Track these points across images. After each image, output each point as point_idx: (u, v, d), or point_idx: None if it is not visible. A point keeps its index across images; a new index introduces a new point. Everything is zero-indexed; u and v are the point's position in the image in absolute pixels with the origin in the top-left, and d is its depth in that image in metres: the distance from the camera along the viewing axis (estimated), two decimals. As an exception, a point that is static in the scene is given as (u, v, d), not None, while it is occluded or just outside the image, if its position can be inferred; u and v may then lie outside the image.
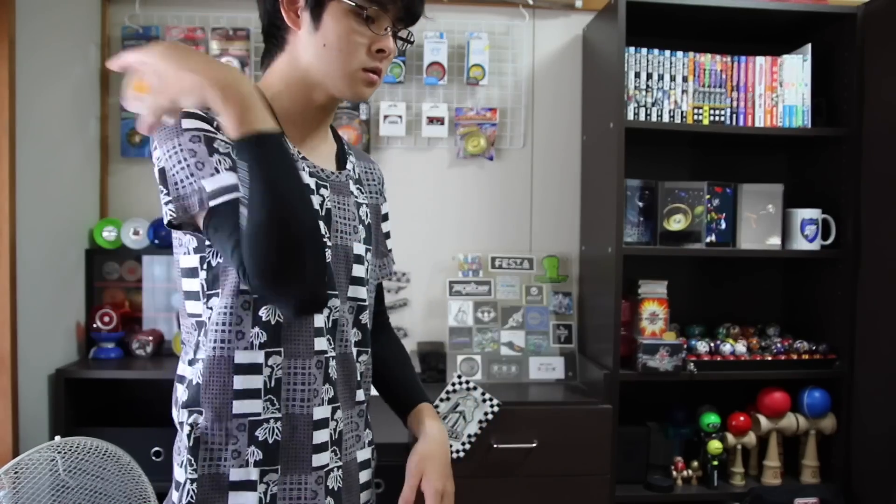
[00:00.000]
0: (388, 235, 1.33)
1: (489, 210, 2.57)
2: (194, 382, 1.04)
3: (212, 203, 0.95)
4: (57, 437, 1.79)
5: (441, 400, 2.07)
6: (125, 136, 2.43)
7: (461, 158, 2.54)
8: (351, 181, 1.17)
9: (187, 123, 0.97)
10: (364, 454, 1.18)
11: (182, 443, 1.04)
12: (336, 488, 1.10)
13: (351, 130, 2.46)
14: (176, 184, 0.97)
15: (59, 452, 1.74)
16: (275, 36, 1.10)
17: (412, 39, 1.13)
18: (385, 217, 1.32)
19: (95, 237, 2.37)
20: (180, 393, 1.06)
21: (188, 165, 0.96)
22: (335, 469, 1.10)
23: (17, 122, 1.92)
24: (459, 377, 2.10)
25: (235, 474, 1.03)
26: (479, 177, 2.56)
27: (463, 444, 2.06)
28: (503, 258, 2.53)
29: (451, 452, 2.05)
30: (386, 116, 2.48)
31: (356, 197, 1.18)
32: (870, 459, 2.20)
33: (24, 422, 1.97)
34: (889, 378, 2.11)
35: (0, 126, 1.88)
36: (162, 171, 0.98)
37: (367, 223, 1.21)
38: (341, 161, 1.19)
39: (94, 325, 2.31)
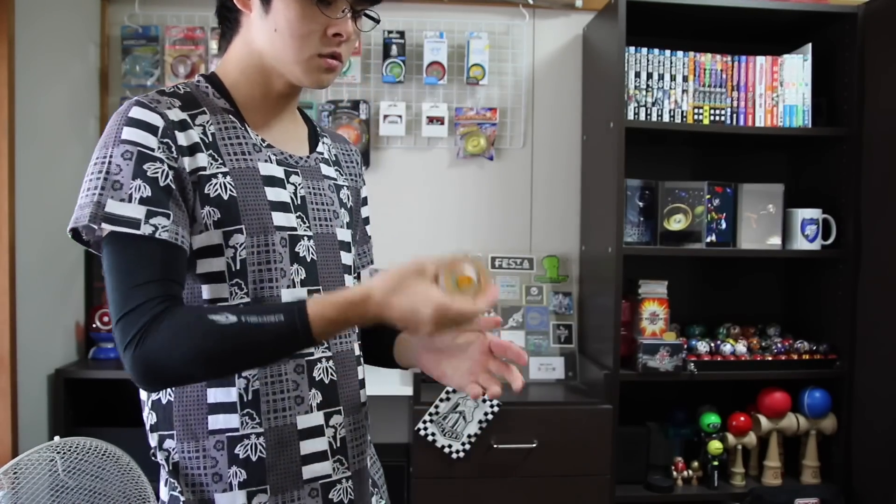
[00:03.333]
0: (367, 221, 1.25)
1: (489, 210, 2.56)
2: (163, 401, 0.98)
3: (104, 226, 0.89)
4: (56, 438, 1.78)
5: (441, 400, 2.07)
6: (125, 136, 2.42)
7: (461, 158, 2.54)
8: (324, 164, 1.11)
9: (128, 133, 0.92)
10: (369, 461, 1.11)
11: (163, 467, 1.00)
12: (346, 501, 1.03)
13: (351, 130, 2.46)
14: (84, 191, 0.91)
15: (58, 453, 1.73)
16: (227, 18, 1.04)
17: (377, 17, 1.05)
18: (364, 201, 1.24)
19: (95, 237, 2.36)
20: (146, 415, 1.01)
21: (104, 178, 0.90)
22: (343, 480, 1.03)
23: (16, 121, 1.91)
24: (459, 377, 2.09)
25: (221, 500, 0.97)
26: (479, 177, 2.56)
27: (463, 444, 2.06)
28: (503, 258, 2.52)
29: (452, 453, 2.05)
30: (386, 116, 2.47)
31: (334, 179, 1.12)
32: (870, 459, 2.19)
33: (24, 422, 1.97)
34: (889, 378, 2.11)
35: (-1, 126, 1.88)
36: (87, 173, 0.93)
37: (349, 206, 1.14)
38: (313, 143, 1.12)
39: (94, 325, 2.31)
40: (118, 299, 0.88)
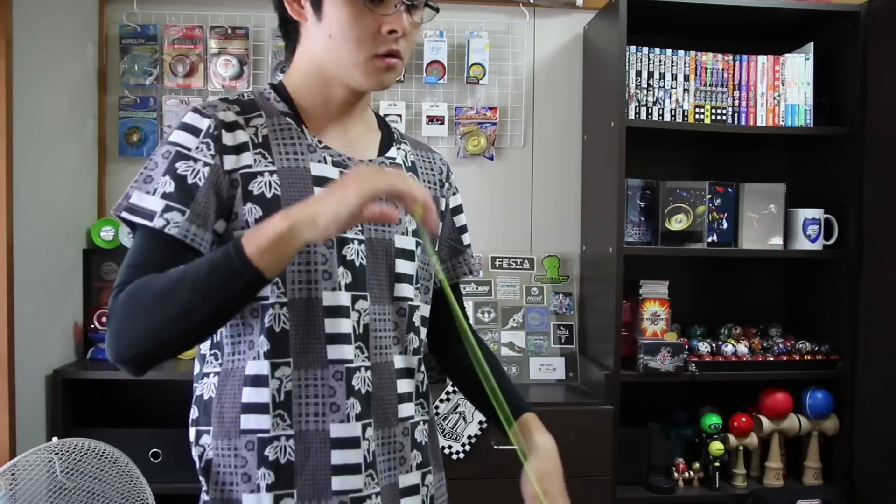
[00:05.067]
0: (463, 230, 1.25)
1: (489, 210, 2.55)
2: (205, 397, 1.00)
3: (121, 214, 0.93)
4: (54, 439, 1.78)
5: (441, 400, 2.06)
6: (123, 136, 2.42)
7: (461, 158, 2.53)
8: (392, 168, 1.08)
9: (175, 136, 0.96)
10: (410, 479, 1.06)
11: (196, 463, 1.00)
12: None
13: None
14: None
15: (56, 454, 1.73)
16: (288, 31, 1.06)
17: (437, 7, 1.03)
18: (456, 210, 1.24)
19: (93, 237, 2.36)
20: (192, 411, 1.02)
21: (141, 174, 0.95)
22: (373, 496, 0.99)
23: (14, 121, 1.90)
24: (459, 378, 2.09)
25: (248, 500, 0.96)
26: (480, 176, 2.55)
27: (463, 445, 2.05)
28: (503, 258, 2.52)
29: (452, 454, 2.04)
30: (385, 115, 2.46)
31: None
32: (872, 460, 2.18)
33: (22, 423, 1.96)
34: (891, 378, 2.10)
35: (-3, 125, 1.87)
36: None
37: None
38: (384, 149, 1.11)
39: (92, 326, 2.30)
40: (118, 275, 0.92)
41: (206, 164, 0.94)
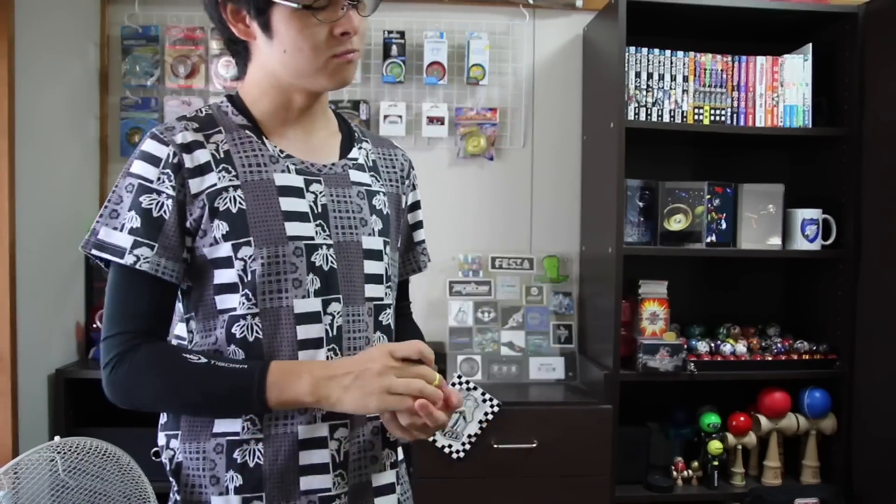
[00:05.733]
0: (417, 226, 1.24)
1: (489, 210, 2.56)
2: None
3: (91, 251, 0.96)
4: (56, 438, 1.78)
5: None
6: (124, 136, 2.42)
7: (461, 158, 2.54)
8: (355, 170, 1.09)
9: (136, 167, 0.97)
10: (384, 478, 1.06)
11: (165, 467, 1.03)
12: None
13: (351, 130, 2.46)
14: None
15: (58, 453, 1.73)
16: (237, 51, 1.06)
17: None
18: (413, 207, 1.23)
19: (95, 237, 2.36)
20: (161, 416, 1.05)
21: (106, 207, 0.98)
22: (342, 496, 1.00)
23: (16, 121, 1.91)
24: (459, 377, 2.10)
25: (217, 503, 0.98)
26: (480, 177, 2.56)
27: (463, 444, 2.06)
28: (503, 258, 2.52)
29: (452, 453, 2.05)
30: (386, 116, 2.47)
31: (367, 185, 1.10)
32: (870, 460, 2.19)
33: (24, 422, 1.97)
34: (890, 378, 2.10)
35: (-1, 126, 1.87)
36: None
37: (384, 213, 1.11)
38: (346, 150, 1.11)
39: (94, 325, 2.31)
40: (105, 322, 0.97)
41: (168, 196, 0.96)
